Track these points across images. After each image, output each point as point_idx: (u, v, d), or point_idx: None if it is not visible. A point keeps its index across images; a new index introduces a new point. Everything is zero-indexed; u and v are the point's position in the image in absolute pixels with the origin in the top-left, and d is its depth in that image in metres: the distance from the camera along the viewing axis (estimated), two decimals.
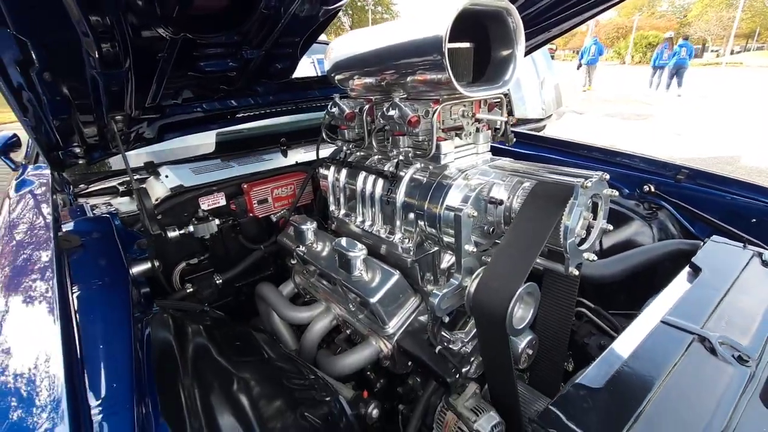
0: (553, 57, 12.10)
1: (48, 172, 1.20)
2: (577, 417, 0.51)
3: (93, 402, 0.52)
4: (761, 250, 0.90)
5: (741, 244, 0.93)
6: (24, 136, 1.66)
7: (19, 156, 1.67)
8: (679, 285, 0.82)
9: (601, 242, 1.36)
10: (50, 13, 0.58)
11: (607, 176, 0.78)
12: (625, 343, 0.66)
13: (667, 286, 0.82)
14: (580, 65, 12.07)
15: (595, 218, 0.83)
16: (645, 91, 11.77)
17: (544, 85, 4.41)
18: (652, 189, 1.34)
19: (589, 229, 0.83)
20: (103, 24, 0.60)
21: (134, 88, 0.83)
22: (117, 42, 0.66)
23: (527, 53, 1.61)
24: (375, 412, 0.86)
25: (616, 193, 0.82)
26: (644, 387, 0.56)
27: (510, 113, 4.28)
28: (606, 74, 20.47)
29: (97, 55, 0.66)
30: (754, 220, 1.18)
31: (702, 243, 0.97)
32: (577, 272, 0.79)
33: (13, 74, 0.66)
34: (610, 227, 0.84)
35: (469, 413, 0.80)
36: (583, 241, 0.82)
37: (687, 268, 0.87)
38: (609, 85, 14.94)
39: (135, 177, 1.28)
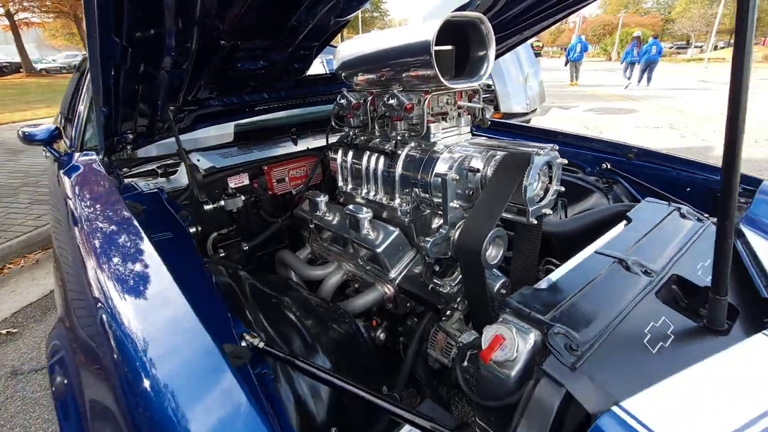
0: (539, 54, 12.65)
1: (95, 157, 1.41)
2: (523, 302, 0.74)
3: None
4: (680, 205, 1.15)
5: (666, 203, 1.18)
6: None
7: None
8: (614, 231, 1.06)
9: (566, 211, 1.62)
10: (151, 27, 0.80)
11: (557, 147, 1.02)
12: (566, 266, 0.90)
13: (605, 233, 1.06)
14: (567, 62, 12.66)
15: (551, 182, 1.07)
16: (624, 87, 12.37)
17: (528, 81, 4.67)
18: (608, 166, 1.59)
19: (546, 190, 1.07)
20: (184, 35, 0.81)
21: (187, 84, 1.05)
22: (187, 47, 0.87)
23: (505, 51, 1.86)
24: (382, 336, 1.09)
25: (566, 161, 1.06)
26: (573, 287, 0.80)
27: (496, 108, 4.53)
28: (592, 70, 20.91)
29: (171, 59, 0.87)
30: (689, 189, 1.44)
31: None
32: (535, 221, 1.03)
33: (109, 73, 0.88)
34: (562, 188, 1.08)
35: (455, 332, 1.04)
36: (542, 199, 1.06)
37: (623, 221, 1.12)
38: (594, 81, 15.35)
39: (169, 161, 1.50)
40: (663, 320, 0.75)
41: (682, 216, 1.12)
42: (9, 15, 21.20)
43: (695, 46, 42.19)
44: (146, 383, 0.52)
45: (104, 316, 0.69)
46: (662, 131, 6.34)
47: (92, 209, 1.08)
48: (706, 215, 1.15)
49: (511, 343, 0.68)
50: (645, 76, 11.89)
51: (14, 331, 2.12)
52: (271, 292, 0.97)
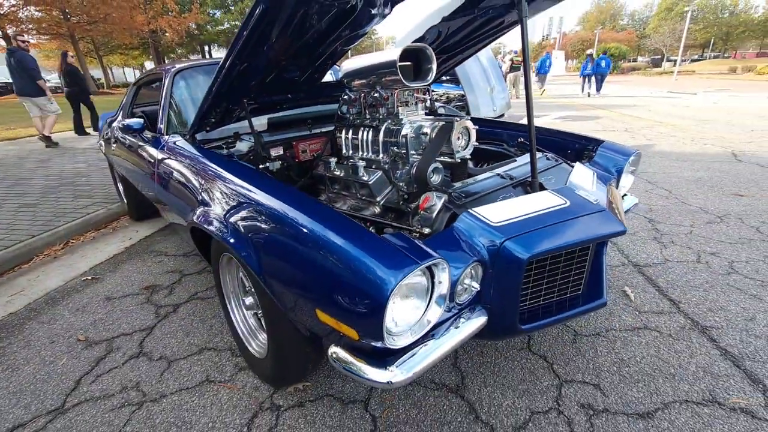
0: (518, 68, 14.22)
1: (181, 138, 2.16)
2: (443, 185, 1.51)
3: None
4: (549, 154, 1.94)
5: (543, 155, 1.97)
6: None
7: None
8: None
9: None
10: (256, 59, 1.56)
11: (469, 118, 1.79)
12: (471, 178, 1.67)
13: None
14: (536, 74, 14.58)
15: (469, 140, 1.84)
16: (583, 94, 14.56)
17: (494, 92, 5.54)
18: (522, 140, 2.38)
19: (467, 145, 1.84)
20: (267, 60, 1.57)
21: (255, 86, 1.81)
22: (265, 66, 1.63)
23: (457, 64, 2.65)
24: (372, 230, 1.84)
25: (477, 127, 1.83)
26: (469, 183, 1.57)
27: (467, 113, 5.51)
28: (571, 83, 22.15)
29: (257, 72, 1.62)
30: (570, 150, 2.24)
31: None
32: (459, 161, 1.79)
33: (224, 85, 1.62)
34: (477, 144, 1.85)
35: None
36: (464, 149, 1.82)
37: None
38: (569, 92, 16.50)
39: (229, 140, 2.25)
40: (510, 195, 1.52)
41: (547, 159, 1.91)
42: (6, 37, 21.89)
43: (668, 60, 44.42)
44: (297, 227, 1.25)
45: (250, 203, 1.40)
46: (617, 133, 7.26)
47: (200, 161, 1.82)
48: (563, 160, 1.94)
49: (432, 200, 1.44)
50: (597, 86, 14.94)
51: (97, 276, 2.81)
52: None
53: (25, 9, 21.80)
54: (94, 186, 4.85)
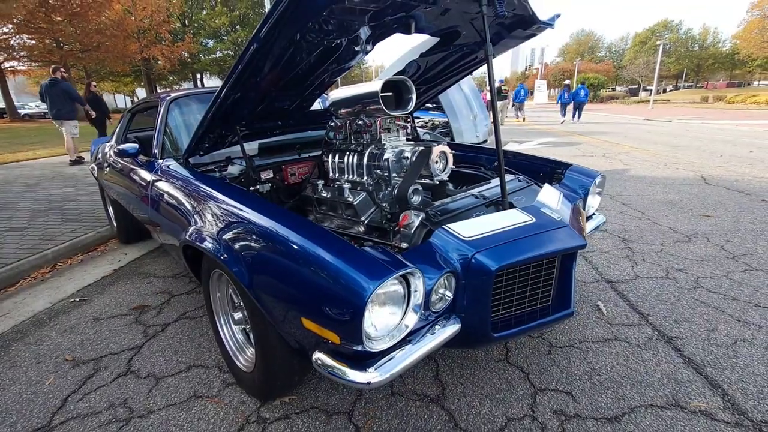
0: (506, 97, 15.21)
1: (174, 162, 2.26)
2: (421, 204, 1.63)
3: None
4: (520, 176, 2.09)
5: (515, 177, 2.12)
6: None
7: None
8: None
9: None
10: (249, 90, 1.69)
11: (446, 143, 1.94)
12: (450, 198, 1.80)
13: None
14: (512, 103, 15.69)
15: (447, 163, 1.99)
16: (561, 123, 15.68)
17: (477, 119, 5.80)
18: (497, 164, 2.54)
19: (444, 168, 1.98)
20: (261, 91, 1.72)
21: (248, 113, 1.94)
22: (259, 97, 1.77)
23: (437, 94, 2.84)
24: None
25: (453, 152, 1.98)
26: (447, 202, 1.70)
27: (451, 140, 5.83)
28: (554, 111, 23.01)
29: (249, 102, 1.76)
30: (541, 173, 2.40)
31: None
32: (438, 182, 1.93)
33: (219, 112, 1.75)
34: (455, 167, 1.99)
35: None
36: (443, 172, 1.96)
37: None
38: (550, 119, 17.17)
39: (222, 164, 2.36)
40: (483, 213, 1.65)
41: (519, 180, 2.06)
42: None
43: (644, 89, 46.53)
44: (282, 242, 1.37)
45: (241, 221, 1.51)
46: (595, 158, 7.57)
47: (193, 184, 1.93)
48: (534, 181, 2.10)
49: (410, 218, 1.56)
50: (577, 113, 16.11)
51: (85, 298, 2.83)
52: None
53: (17, 37, 22.09)
54: (83, 209, 4.88)
